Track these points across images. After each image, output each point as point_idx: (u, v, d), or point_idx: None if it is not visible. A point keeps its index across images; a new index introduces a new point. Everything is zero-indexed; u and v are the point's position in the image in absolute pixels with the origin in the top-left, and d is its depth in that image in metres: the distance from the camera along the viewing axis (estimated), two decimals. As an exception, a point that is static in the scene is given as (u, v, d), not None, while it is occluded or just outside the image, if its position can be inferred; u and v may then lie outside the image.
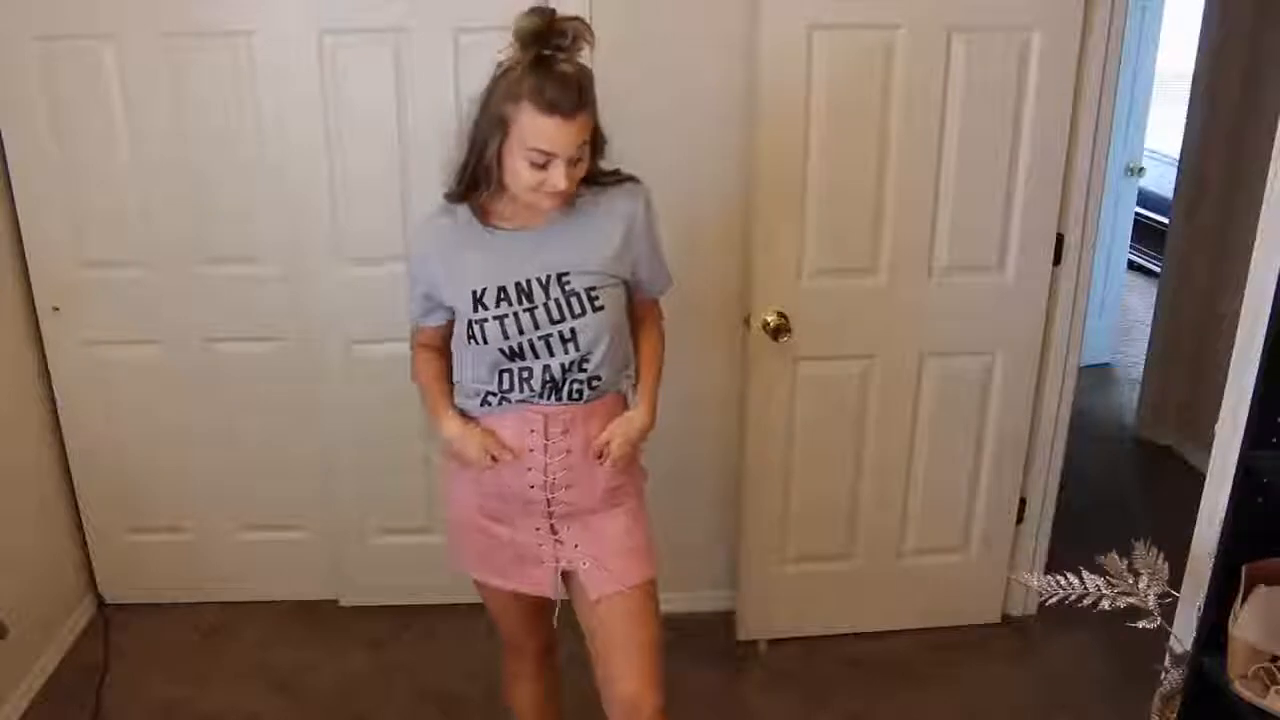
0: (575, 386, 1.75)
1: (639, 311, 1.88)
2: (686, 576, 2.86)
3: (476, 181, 1.66)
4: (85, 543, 2.91)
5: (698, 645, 2.54)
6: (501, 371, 1.75)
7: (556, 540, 1.82)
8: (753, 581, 2.77)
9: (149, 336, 2.73)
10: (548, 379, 1.74)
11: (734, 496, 2.73)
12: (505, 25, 2.47)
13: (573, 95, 1.54)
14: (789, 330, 2.49)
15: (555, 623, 1.93)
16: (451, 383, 1.88)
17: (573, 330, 1.71)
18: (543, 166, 1.58)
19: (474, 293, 1.71)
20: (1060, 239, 2.57)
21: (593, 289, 1.71)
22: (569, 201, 1.68)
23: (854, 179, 2.43)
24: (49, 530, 2.81)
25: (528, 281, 1.70)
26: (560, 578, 1.85)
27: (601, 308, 1.71)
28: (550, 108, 1.54)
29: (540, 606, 1.92)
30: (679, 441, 2.78)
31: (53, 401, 2.77)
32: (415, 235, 1.89)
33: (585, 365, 1.74)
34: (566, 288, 1.70)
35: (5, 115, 2.53)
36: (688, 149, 2.51)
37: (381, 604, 2.94)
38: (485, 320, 1.71)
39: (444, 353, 1.88)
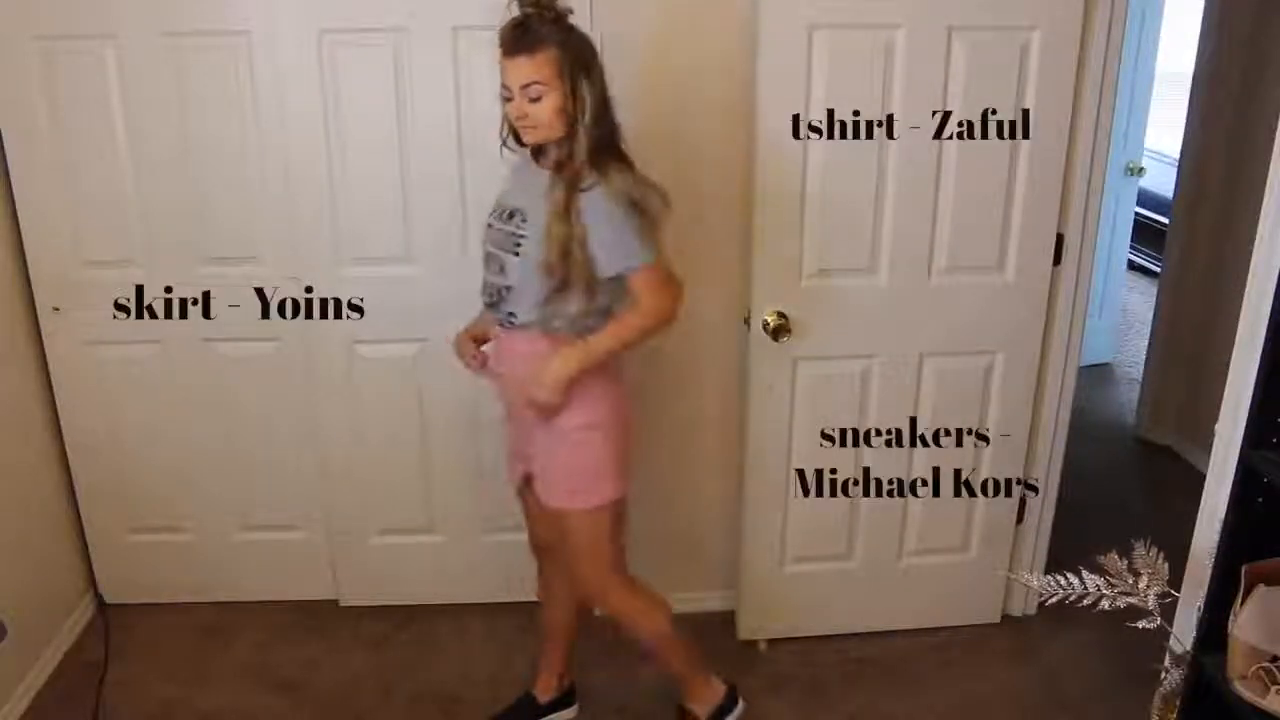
0: (502, 315, 2.07)
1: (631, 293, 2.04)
2: (687, 576, 2.86)
3: (507, 130, 2.04)
4: (85, 543, 2.91)
5: (698, 646, 2.54)
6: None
7: (530, 450, 2.16)
8: (753, 581, 2.77)
9: (149, 336, 2.73)
10: (490, 293, 2.09)
11: (734, 496, 2.72)
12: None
13: (516, 37, 1.88)
14: (789, 330, 2.49)
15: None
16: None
17: (503, 264, 2.03)
18: (508, 98, 1.92)
19: (497, 202, 2.10)
20: (1060, 239, 2.57)
21: (523, 237, 1.99)
22: (545, 138, 1.95)
23: (854, 179, 2.43)
24: (49, 530, 2.81)
25: (514, 209, 2.03)
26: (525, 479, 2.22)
27: (517, 254, 1.99)
28: (501, 47, 1.90)
29: (537, 520, 2.30)
30: (679, 441, 2.78)
31: (53, 401, 2.77)
32: None
33: (508, 294, 2.04)
34: (521, 226, 2.00)
35: (5, 115, 2.53)
36: (688, 149, 2.51)
37: (381, 604, 2.94)
38: (487, 224, 2.11)
39: None
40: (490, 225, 2.09)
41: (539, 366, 1.99)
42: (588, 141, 1.91)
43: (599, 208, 1.92)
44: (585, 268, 1.95)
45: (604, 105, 1.94)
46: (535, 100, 1.89)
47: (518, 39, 1.88)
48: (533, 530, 2.37)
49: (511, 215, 2.03)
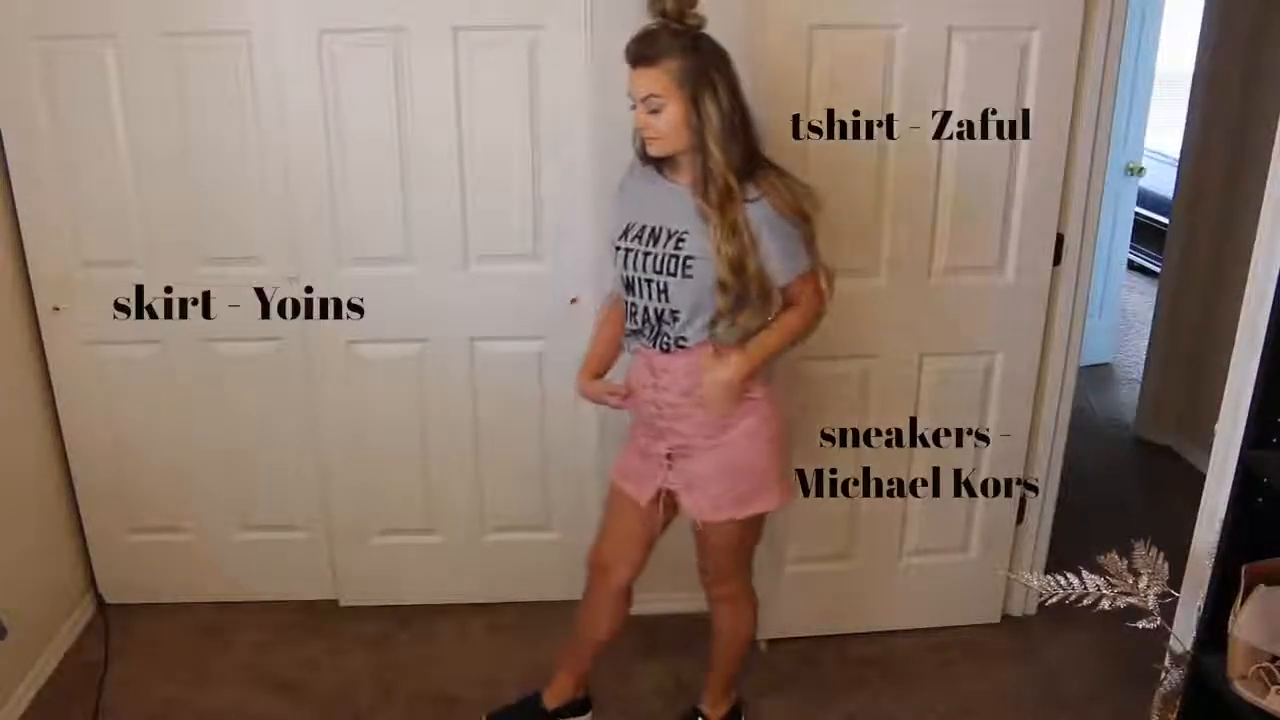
0: (664, 340, 2.00)
1: (786, 298, 2.03)
2: (687, 576, 2.85)
3: (636, 143, 1.99)
4: (85, 543, 2.91)
5: (698, 645, 2.54)
6: (626, 301, 2.05)
7: (669, 463, 2.09)
8: (753, 581, 2.76)
9: (149, 336, 2.73)
10: (645, 318, 2.01)
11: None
12: (505, 24, 2.49)
13: (640, 48, 1.85)
14: (789, 330, 2.49)
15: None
16: (612, 341, 2.18)
17: (665, 285, 1.96)
18: (635, 107, 1.89)
19: (628, 223, 2.01)
20: (1060, 239, 2.57)
21: (691, 258, 1.92)
22: (669, 151, 1.91)
23: (854, 179, 2.43)
24: (49, 530, 2.81)
25: (657, 228, 1.97)
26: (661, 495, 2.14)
27: (690, 276, 1.92)
28: (627, 57, 1.87)
29: (637, 531, 2.21)
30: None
31: (53, 401, 2.77)
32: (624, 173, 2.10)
33: (674, 319, 1.98)
34: (680, 247, 1.94)
35: (5, 115, 2.53)
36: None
37: (381, 604, 2.94)
38: (619, 248, 2.02)
39: (616, 306, 2.16)
40: (630, 250, 2.00)
41: (710, 369, 1.97)
42: (722, 157, 1.86)
43: (767, 220, 1.90)
44: (762, 280, 1.93)
45: (741, 118, 1.88)
46: (655, 112, 1.86)
47: (640, 50, 1.84)
48: (611, 545, 2.27)
49: (656, 236, 1.97)
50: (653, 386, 2.06)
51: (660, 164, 1.99)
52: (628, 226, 2.02)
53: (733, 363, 1.97)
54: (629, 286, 2.02)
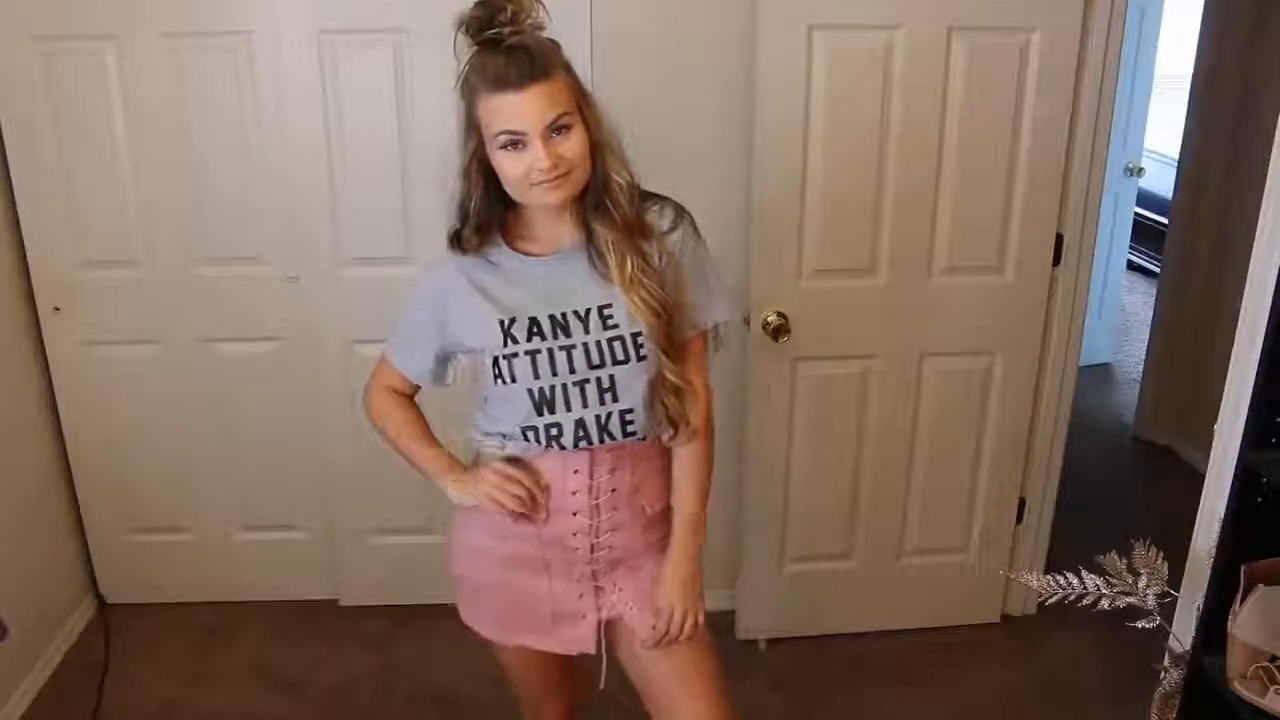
0: (614, 439, 1.56)
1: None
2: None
3: (479, 210, 1.51)
4: (85, 543, 2.91)
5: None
6: (526, 430, 1.54)
7: (597, 588, 1.64)
8: (753, 581, 2.77)
9: (149, 336, 2.73)
10: (580, 434, 1.53)
11: (734, 496, 2.72)
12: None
13: (520, 64, 1.39)
14: (789, 330, 2.49)
15: (604, 682, 1.71)
16: (426, 429, 1.67)
17: (612, 384, 1.51)
18: (518, 147, 1.42)
19: (502, 323, 1.51)
20: (1060, 239, 2.57)
21: (639, 332, 1.50)
22: (576, 189, 1.47)
23: (854, 179, 2.43)
24: (49, 530, 2.81)
25: (562, 314, 1.51)
26: (601, 629, 1.67)
27: (641, 358, 1.51)
28: (498, 84, 1.40)
29: (567, 663, 1.76)
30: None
31: (53, 401, 2.77)
32: (425, 271, 1.65)
33: (627, 424, 1.53)
34: (609, 323, 1.51)
35: (5, 115, 2.53)
36: (688, 149, 2.51)
37: (381, 604, 2.95)
38: (515, 355, 1.50)
39: (413, 402, 1.69)
40: (535, 354, 1.50)
41: (669, 582, 1.62)
42: (630, 179, 1.51)
43: (691, 245, 1.56)
44: (675, 333, 1.55)
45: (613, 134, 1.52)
46: (565, 133, 1.43)
47: (524, 67, 1.39)
48: (560, 690, 1.89)
49: (564, 325, 1.50)
50: (588, 490, 1.58)
51: (503, 238, 1.55)
52: (515, 327, 1.51)
53: (686, 551, 1.62)
54: (544, 404, 1.51)
